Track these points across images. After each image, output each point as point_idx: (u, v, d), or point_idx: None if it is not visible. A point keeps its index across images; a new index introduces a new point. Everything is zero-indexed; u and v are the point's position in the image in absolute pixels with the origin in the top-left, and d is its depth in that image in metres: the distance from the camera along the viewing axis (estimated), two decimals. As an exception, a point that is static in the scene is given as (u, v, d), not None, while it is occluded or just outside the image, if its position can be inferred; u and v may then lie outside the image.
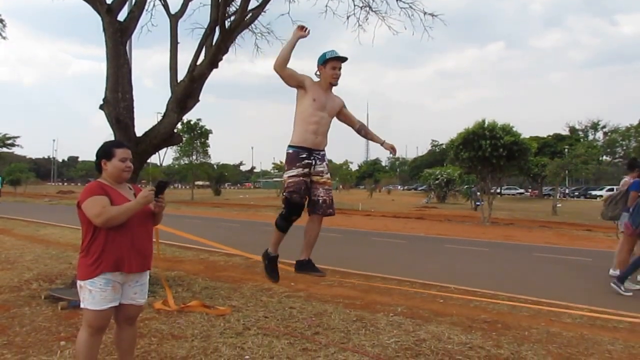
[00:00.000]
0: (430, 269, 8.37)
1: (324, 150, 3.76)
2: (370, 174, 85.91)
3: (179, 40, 6.64)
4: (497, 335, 4.39)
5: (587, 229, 18.09)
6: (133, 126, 5.98)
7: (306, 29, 3.58)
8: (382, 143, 4.08)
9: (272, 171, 79.83)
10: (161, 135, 6.10)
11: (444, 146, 56.54)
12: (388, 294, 6.11)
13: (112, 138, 2.98)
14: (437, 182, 39.83)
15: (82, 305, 2.79)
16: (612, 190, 52.77)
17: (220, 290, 6.05)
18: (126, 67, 6.04)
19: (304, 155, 3.64)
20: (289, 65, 3.60)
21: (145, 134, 6.10)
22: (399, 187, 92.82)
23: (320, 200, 3.67)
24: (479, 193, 20.95)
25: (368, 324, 4.61)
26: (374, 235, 14.34)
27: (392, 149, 4.08)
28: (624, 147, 48.44)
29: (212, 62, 6.25)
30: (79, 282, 2.78)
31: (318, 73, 3.76)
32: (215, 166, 50.76)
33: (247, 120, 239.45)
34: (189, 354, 3.72)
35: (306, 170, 3.63)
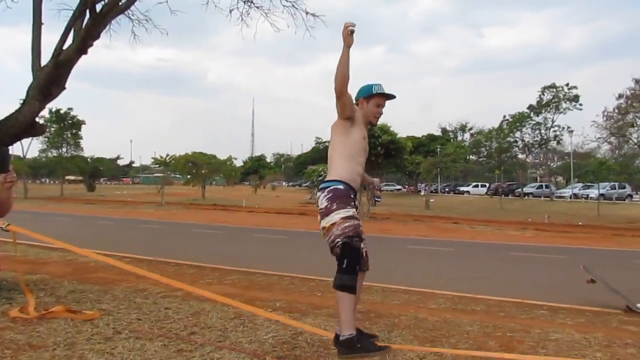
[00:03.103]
0: (311, 264, 8.53)
1: None
2: (255, 170, 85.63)
3: (43, 21, 6.09)
4: (370, 324, 4.57)
5: (454, 222, 19.57)
6: (-16, 113, 5.38)
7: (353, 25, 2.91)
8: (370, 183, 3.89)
9: (152, 166, 76.63)
10: (20, 125, 5.55)
11: (327, 143, 58.04)
12: (268, 290, 6.12)
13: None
14: (320, 178, 40.68)
15: None
16: (477, 186, 57.79)
17: (89, 293, 5.65)
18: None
19: (353, 196, 3.15)
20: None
21: (1, 122, 5.52)
22: (284, 183, 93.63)
23: (364, 252, 3.21)
24: (377, 191, 21.90)
25: (246, 321, 4.58)
26: (257, 232, 14.31)
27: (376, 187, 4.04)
28: (487, 148, 52.98)
29: (81, 47, 5.82)
30: None
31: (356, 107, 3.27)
32: (88, 160, 47.69)
33: (127, 112, 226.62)
34: (49, 363, 3.42)
35: (356, 213, 3.14)
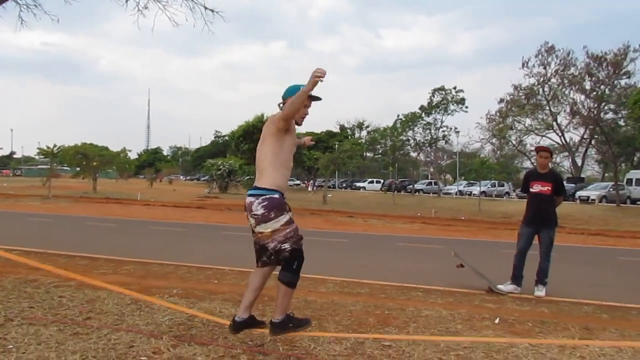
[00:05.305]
0: (208, 254, 8.70)
1: None
2: (150, 163, 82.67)
3: None
4: (263, 306, 4.92)
5: (349, 215, 20.46)
6: None
7: (323, 75, 3.04)
8: (303, 143, 3.96)
9: (36, 157, 71.38)
10: None
11: (226, 137, 57.48)
12: (165, 279, 6.25)
13: None
14: (219, 172, 40.40)
15: None
16: (372, 182, 60.18)
17: (-27, 285, 5.46)
18: None
19: (286, 202, 3.39)
20: None
21: None
22: (181, 177, 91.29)
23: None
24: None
25: (143, 306, 4.73)
26: (152, 224, 14.11)
27: (310, 141, 4.10)
28: (383, 145, 55.41)
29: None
30: None
31: (282, 106, 3.42)
32: (-39, 149, 43.46)
33: (6, 99, 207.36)
34: (-64, 351, 3.40)
35: (291, 214, 3.38)
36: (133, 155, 64.44)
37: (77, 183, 41.06)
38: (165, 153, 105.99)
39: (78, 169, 40.01)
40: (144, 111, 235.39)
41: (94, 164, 37.55)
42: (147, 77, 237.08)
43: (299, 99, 3.19)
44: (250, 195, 3.35)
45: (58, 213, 17.13)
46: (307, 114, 3.49)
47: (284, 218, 3.28)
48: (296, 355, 3.57)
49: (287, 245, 3.27)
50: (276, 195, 3.30)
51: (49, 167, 37.04)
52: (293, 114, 3.28)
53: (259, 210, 3.27)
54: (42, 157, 42.05)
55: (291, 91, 3.39)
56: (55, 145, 32.36)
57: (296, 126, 3.51)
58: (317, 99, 3.46)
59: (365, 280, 6.57)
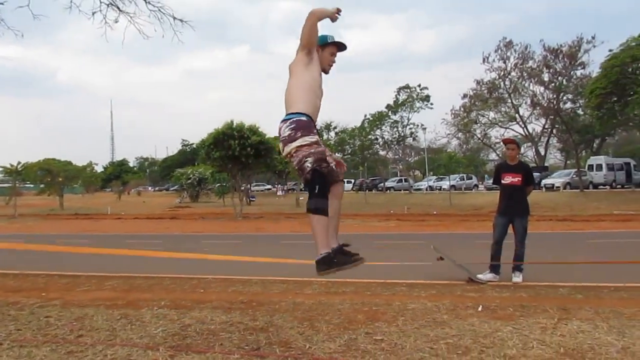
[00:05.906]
0: (190, 264, 8.68)
1: None
2: (117, 175, 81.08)
3: None
4: (253, 312, 4.98)
5: (324, 217, 20.60)
6: None
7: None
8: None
9: (-1, 176, 69.31)
10: None
11: (194, 146, 56.96)
12: (150, 291, 6.24)
13: None
14: (189, 181, 40.05)
15: None
16: (344, 182, 60.29)
17: (-46, 310, 5.36)
18: None
19: (315, 128, 3.29)
20: None
21: None
22: (150, 188, 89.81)
23: (335, 164, 3.35)
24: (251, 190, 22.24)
25: (133, 320, 4.73)
26: (128, 238, 13.96)
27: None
28: (351, 145, 55.69)
29: None
30: None
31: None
32: None
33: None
34: None
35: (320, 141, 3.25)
36: (98, 169, 63.28)
37: (42, 200, 40.03)
38: (131, 165, 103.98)
39: (42, 185, 39.08)
40: (106, 123, 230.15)
41: (59, 179, 36.75)
42: (108, 88, 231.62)
43: (309, 21, 3.25)
44: (281, 122, 3.30)
45: (27, 232, 16.74)
46: (334, 62, 3.51)
47: (311, 138, 3.19)
48: (293, 356, 3.65)
49: (308, 161, 3.15)
50: (304, 118, 3.23)
51: (9, 185, 36.05)
52: (308, 38, 3.29)
53: (286, 132, 3.21)
54: (6, 175, 40.89)
55: (319, 40, 3.41)
56: (19, 163, 31.53)
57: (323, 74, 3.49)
58: (343, 47, 3.51)
59: (350, 279, 6.67)
